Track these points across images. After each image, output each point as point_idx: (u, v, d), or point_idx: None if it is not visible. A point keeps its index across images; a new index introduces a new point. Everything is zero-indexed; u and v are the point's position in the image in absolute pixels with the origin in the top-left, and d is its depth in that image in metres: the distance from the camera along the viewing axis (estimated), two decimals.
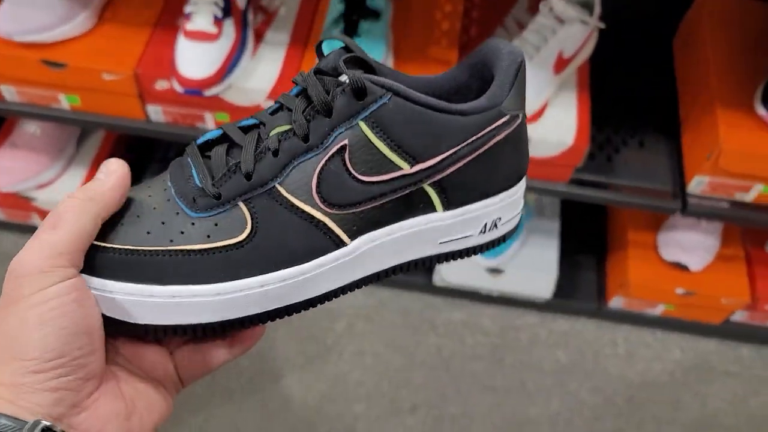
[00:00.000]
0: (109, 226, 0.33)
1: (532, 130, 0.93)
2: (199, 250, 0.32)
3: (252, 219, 0.33)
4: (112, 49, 0.94)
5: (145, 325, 0.33)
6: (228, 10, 0.92)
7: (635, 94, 1.08)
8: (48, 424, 0.28)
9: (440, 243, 0.37)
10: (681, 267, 1.18)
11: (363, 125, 0.34)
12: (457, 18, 1.02)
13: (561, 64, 0.93)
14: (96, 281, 0.32)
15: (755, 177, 0.94)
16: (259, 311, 0.34)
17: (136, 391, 0.33)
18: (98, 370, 0.31)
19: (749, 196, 0.97)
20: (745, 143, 0.91)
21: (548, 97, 0.95)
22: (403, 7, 1.02)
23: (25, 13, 0.90)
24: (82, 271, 0.31)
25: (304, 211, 0.34)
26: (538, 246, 1.24)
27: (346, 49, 0.35)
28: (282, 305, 0.35)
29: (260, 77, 0.94)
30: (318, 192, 0.34)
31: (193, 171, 0.34)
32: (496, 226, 0.38)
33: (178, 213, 0.33)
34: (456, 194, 0.36)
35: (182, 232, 0.33)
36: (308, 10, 1.01)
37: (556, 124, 0.93)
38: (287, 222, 0.34)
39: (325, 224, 0.34)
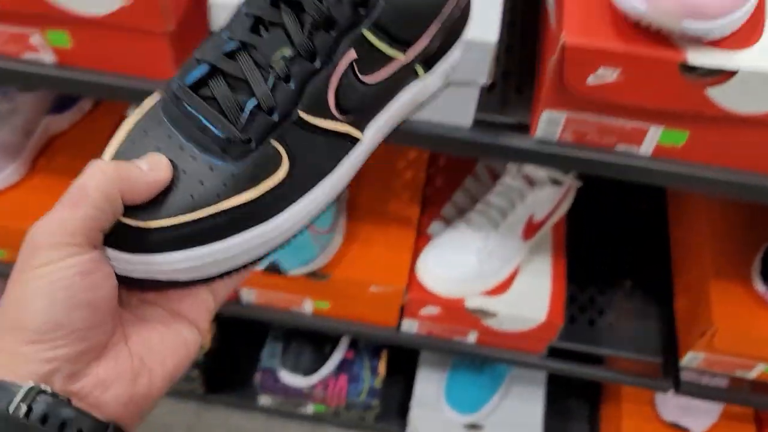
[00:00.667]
0: (148, 202, 0.31)
1: (500, 304, 0.83)
2: (251, 201, 0.32)
3: (288, 154, 0.33)
4: (41, 204, 0.86)
5: (207, 278, 0.33)
6: None
7: (623, 249, 0.97)
8: (43, 388, 0.28)
9: (415, 102, 0.40)
10: (681, 429, 1.05)
11: (367, 33, 0.34)
12: (422, 166, 0.93)
13: (532, 229, 0.83)
14: (158, 257, 0.31)
15: (756, 357, 0.82)
16: (305, 224, 0.36)
17: (148, 347, 0.32)
18: (101, 342, 0.30)
19: (751, 374, 0.85)
20: (742, 323, 0.80)
21: (518, 263, 0.85)
22: None
23: None
24: (137, 252, 0.31)
25: (328, 130, 0.34)
26: (522, 398, 1.12)
27: None
28: (318, 210, 0.36)
29: None
30: (337, 107, 0.34)
31: (204, 121, 0.32)
32: (453, 69, 0.42)
33: (212, 168, 0.32)
34: (434, 59, 0.39)
35: (225, 185, 0.32)
36: None
37: (526, 297, 0.83)
38: (316, 144, 0.34)
39: (345, 133, 0.35)
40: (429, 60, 0.39)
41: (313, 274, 0.84)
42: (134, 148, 0.32)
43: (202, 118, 0.32)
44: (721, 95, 0.51)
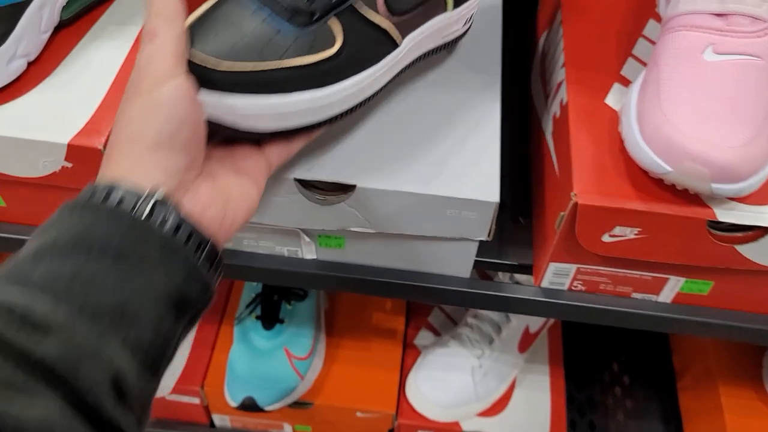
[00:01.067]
0: (225, 46, 0.36)
1: (498, 426, 0.76)
2: (307, 65, 0.37)
3: (343, 32, 0.39)
4: None
5: (263, 133, 0.38)
6: None
7: (619, 342, 0.92)
8: (162, 193, 0.31)
9: (443, 36, 0.48)
10: None
11: None
12: None
13: (528, 341, 0.77)
14: (227, 98, 0.36)
15: None
16: (348, 107, 0.41)
17: (229, 184, 0.36)
18: (199, 160, 0.35)
19: None
20: None
21: (514, 377, 0.78)
22: None
23: None
24: (209, 88, 0.35)
25: (374, 23, 0.40)
26: None
27: None
28: (359, 100, 0.42)
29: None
30: (386, 3, 0.40)
31: None
32: (471, 20, 0.50)
33: (279, 31, 0.37)
34: None
35: (288, 47, 0.37)
36: (222, 288, 0.85)
37: (525, 416, 0.77)
38: (364, 32, 0.40)
39: (387, 31, 0.41)
40: None
41: (293, 404, 0.76)
42: (215, 14, 0.37)
43: None
44: (752, 251, 0.46)
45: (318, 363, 0.78)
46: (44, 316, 0.26)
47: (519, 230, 0.58)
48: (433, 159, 0.47)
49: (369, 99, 0.43)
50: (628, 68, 0.52)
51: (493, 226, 0.47)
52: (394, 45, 0.42)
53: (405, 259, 0.52)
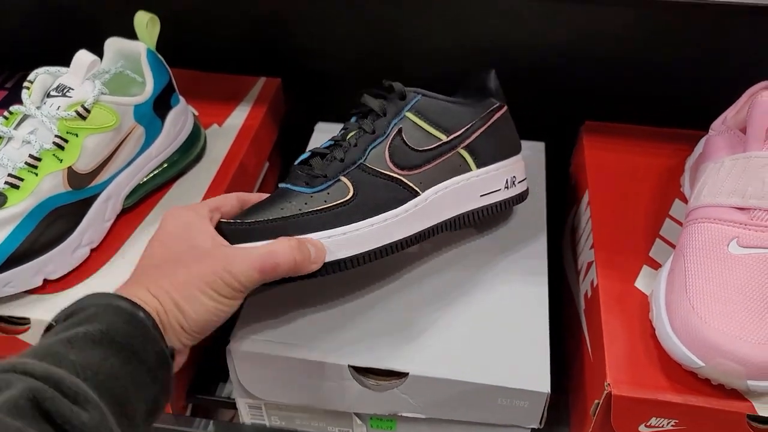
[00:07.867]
0: (257, 214, 0.46)
1: None
2: (322, 209, 0.46)
3: (352, 185, 0.47)
4: None
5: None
6: None
7: None
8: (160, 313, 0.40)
9: (481, 196, 0.53)
10: None
11: (409, 114, 0.50)
12: None
13: None
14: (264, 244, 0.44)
15: None
16: (365, 249, 0.46)
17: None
18: None
19: None
20: None
21: None
22: None
23: None
24: (250, 240, 0.44)
25: (385, 173, 0.48)
26: None
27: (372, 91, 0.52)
28: (384, 240, 0.47)
29: None
30: (391, 161, 0.49)
31: (300, 173, 0.48)
32: (514, 184, 0.55)
33: (300, 193, 0.47)
34: (481, 156, 0.53)
35: (306, 203, 0.46)
36: None
37: None
38: (376, 182, 0.48)
39: (401, 180, 0.48)
40: (477, 154, 0.52)
41: None
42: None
43: (300, 173, 0.48)
44: None
45: None
46: (84, 394, 0.32)
47: (557, 407, 0.57)
48: (483, 347, 0.48)
49: (396, 247, 0.48)
50: (656, 250, 0.54)
51: (545, 414, 0.48)
52: (413, 193, 0.49)
53: None
